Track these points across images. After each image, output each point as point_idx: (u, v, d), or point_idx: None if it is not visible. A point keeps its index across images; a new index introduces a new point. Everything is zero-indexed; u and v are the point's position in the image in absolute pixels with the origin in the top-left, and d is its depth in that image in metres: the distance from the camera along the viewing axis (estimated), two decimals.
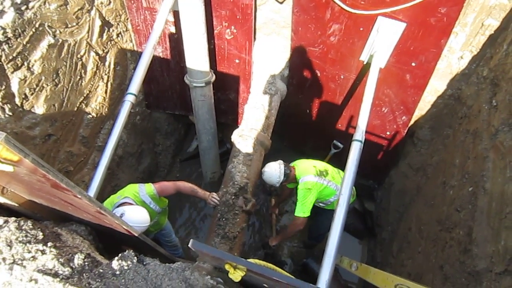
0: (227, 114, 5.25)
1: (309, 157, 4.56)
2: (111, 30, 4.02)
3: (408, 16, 3.47)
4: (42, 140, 3.39)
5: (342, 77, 4.35)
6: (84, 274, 1.71)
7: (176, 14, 3.98)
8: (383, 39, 3.68)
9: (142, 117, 5.04)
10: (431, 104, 4.28)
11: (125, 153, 4.72)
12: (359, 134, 3.20)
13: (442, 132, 4.02)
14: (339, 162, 4.19)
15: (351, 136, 3.25)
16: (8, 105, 2.98)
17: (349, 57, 4.09)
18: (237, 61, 4.54)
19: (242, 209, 3.58)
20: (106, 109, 4.19)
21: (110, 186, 4.47)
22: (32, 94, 3.19)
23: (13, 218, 1.84)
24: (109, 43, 4.03)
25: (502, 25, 3.37)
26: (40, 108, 3.29)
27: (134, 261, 1.79)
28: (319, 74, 4.47)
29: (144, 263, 1.82)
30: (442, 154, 3.87)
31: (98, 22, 3.77)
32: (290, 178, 4.01)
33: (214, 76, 4.39)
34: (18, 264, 1.60)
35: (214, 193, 3.66)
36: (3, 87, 2.91)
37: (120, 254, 1.81)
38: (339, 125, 4.95)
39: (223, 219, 3.50)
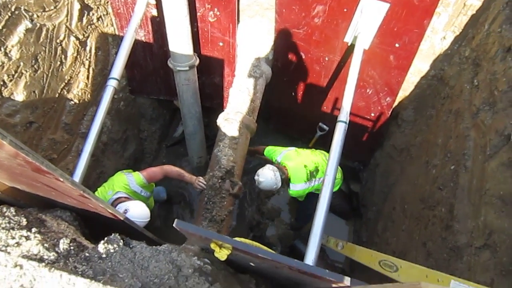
0: (212, 98, 5.21)
1: (295, 140, 4.56)
2: (91, 13, 3.92)
3: None
4: (24, 128, 3.32)
5: (326, 59, 4.34)
6: (70, 259, 1.70)
7: None
8: (367, 20, 3.67)
9: (126, 103, 4.97)
10: (415, 85, 4.32)
11: (109, 139, 4.66)
12: (344, 115, 3.23)
13: (426, 113, 4.07)
14: (325, 144, 4.22)
15: (337, 118, 3.27)
16: None
17: (333, 38, 4.08)
18: (221, 44, 4.49)
19: (229, 193, 3.60)
20: (89, 95, 4.12)
21: (95, 173, 4.43)
22: (11, 80, 3.11)
23: None
24: (89, 27, 3.93)
25: (484, 5, 3.40)
26: (19, 95, 3.22)
27: (120, 244, 1.79)
28: (303, 56, 4.46)
29: (131, 246, 1.81)
30: (426, 134, 3.92)
31: (77, 6, 3.67)
32: (284, 181, 3.97)
33: (198, 60, 4.33)
34: (2, 251, 1.59)
35: (200, 177, 3.67)
36: None
37: (106, 238, 1.80)
38: (325, 108, 4.96)
39: (210, 202, 3.51)
